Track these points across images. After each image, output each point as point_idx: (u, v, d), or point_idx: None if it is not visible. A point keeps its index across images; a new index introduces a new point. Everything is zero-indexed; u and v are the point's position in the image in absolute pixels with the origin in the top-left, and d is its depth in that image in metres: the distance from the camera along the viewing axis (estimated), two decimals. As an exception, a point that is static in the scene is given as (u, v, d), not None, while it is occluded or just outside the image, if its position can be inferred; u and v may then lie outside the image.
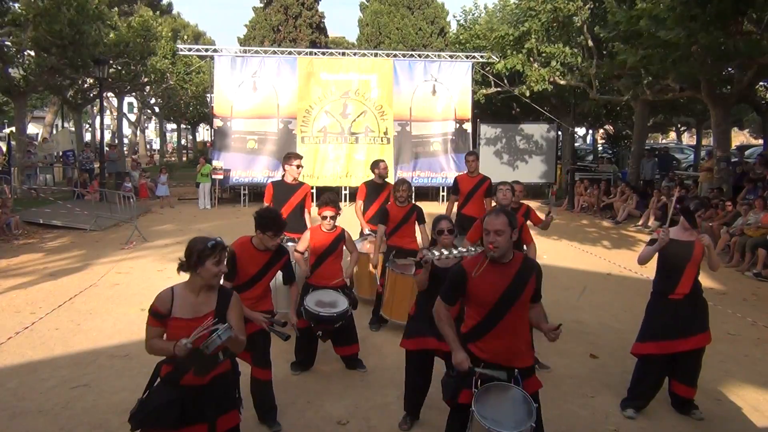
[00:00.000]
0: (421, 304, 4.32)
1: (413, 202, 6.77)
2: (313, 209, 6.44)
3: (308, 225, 6.37)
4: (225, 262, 3.11)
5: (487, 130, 18.92)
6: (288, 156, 6.66)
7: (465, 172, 7.59)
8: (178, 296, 3.05)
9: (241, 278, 4.23)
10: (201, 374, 3.01)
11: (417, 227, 6.61)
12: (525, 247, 5.56)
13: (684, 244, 4.39)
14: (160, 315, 3.02)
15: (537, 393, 3.25)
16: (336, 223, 5.36)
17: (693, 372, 4.45)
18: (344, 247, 5.44)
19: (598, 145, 31.02)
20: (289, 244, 6.18)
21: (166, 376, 3.07)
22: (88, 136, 30.71)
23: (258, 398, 4.32)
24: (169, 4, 34.22)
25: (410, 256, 6.39)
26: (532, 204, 17.59)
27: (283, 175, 6.63)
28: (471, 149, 17.85)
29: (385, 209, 6.56)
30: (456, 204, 7.48)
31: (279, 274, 5.80)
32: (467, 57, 18.43)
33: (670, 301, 4.39)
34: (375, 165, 7.50)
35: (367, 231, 7.28)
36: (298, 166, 6.53)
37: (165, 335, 3.06)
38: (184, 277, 3.12)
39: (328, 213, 5.26)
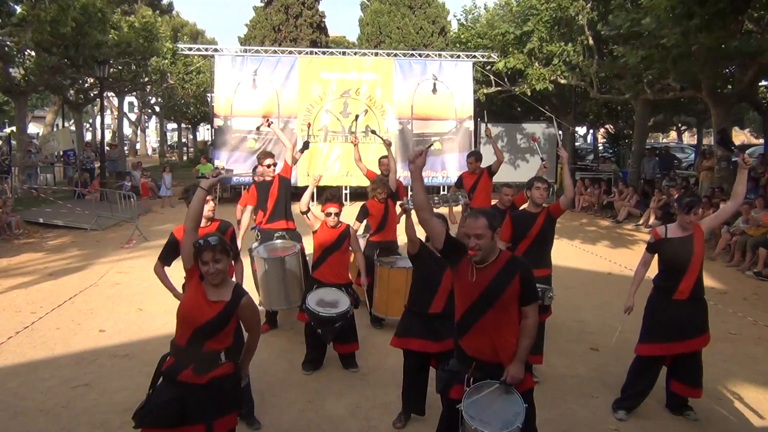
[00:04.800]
0: (414, 299, 4.35)
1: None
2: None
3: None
4: (216, 262, 3.04)
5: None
6: (259, 156, 6.47)
7: (466, 170, 7.77)
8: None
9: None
10: (200, 372, 3.01)
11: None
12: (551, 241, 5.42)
13: (683, 241, 4.31)
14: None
15: (530, 391, 3.23)
16: (340, 220, 5.36)
17: (695, 371, 4.41)
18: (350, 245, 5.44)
19: (599, 145, 31.00)
20: (278, 242, 6.18)
21: (167, 369, 3.08)
22: (88, 136, 30.72)
23: None
24: (170, 4, 34.16)
25: (393, 251, 6.51)
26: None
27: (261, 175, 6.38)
28: (472, 149, 17.87)
29: (365, 206, 6.53)
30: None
31: (272, 274, 5.84)
32: (468, 56, 18.43)
33: (673, 301, 4.30)
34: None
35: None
36: (269, 166, 6.24)
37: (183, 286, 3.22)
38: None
39: (333, 209, 5.25)
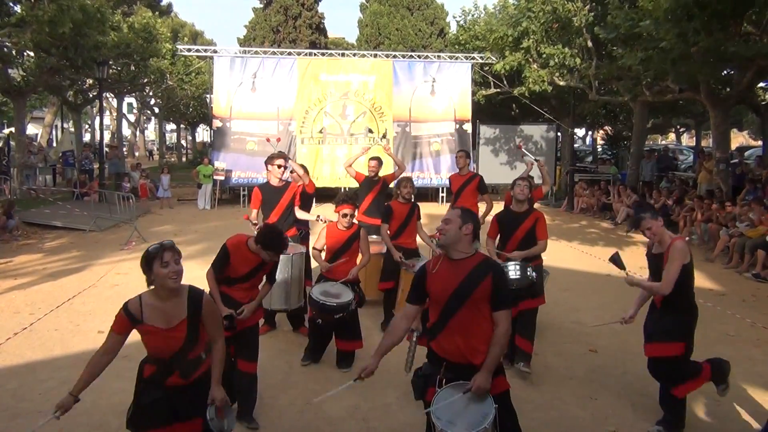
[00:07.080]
0: None
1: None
2: (315, 209, 6.45)
3: (300, 217, 6.41)
4: (176, 262, 3.02)
5: (486, 131, 18.95)
6: (270, 157, 6.31)
7: (455, 173, 7.69)
8: (146, 305, 3.11)
9: (231, 274, 4.27)
10: (186, 377, 3.08)
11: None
12: (536, 243, 5.26)
13: (658, 257, 4.28)
14: (132, 317, 3.08)
15: (506, 393, 3.21)
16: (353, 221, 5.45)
17: (664, 375, 4.28)
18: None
19: (598, 147, 31.05)
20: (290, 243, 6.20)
21: (149, 377, 3.13)
22: (87, 137, 30.70)
23: (242, 392, 4.25)
24: (169, 5, 34.17)
25: (413, 256, 6.49)
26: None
27: (269, 178, 6.27)
28: (470, 150, 17.89)
29: (389, 206, 6.57)
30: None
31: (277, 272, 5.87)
32: (466, 58, 18.45)
33: (652, 302, 4.42)
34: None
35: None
36: (280, 166, 6.13)
37: (144, 343, 3.14)
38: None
39: (348, 211, 5.34)
